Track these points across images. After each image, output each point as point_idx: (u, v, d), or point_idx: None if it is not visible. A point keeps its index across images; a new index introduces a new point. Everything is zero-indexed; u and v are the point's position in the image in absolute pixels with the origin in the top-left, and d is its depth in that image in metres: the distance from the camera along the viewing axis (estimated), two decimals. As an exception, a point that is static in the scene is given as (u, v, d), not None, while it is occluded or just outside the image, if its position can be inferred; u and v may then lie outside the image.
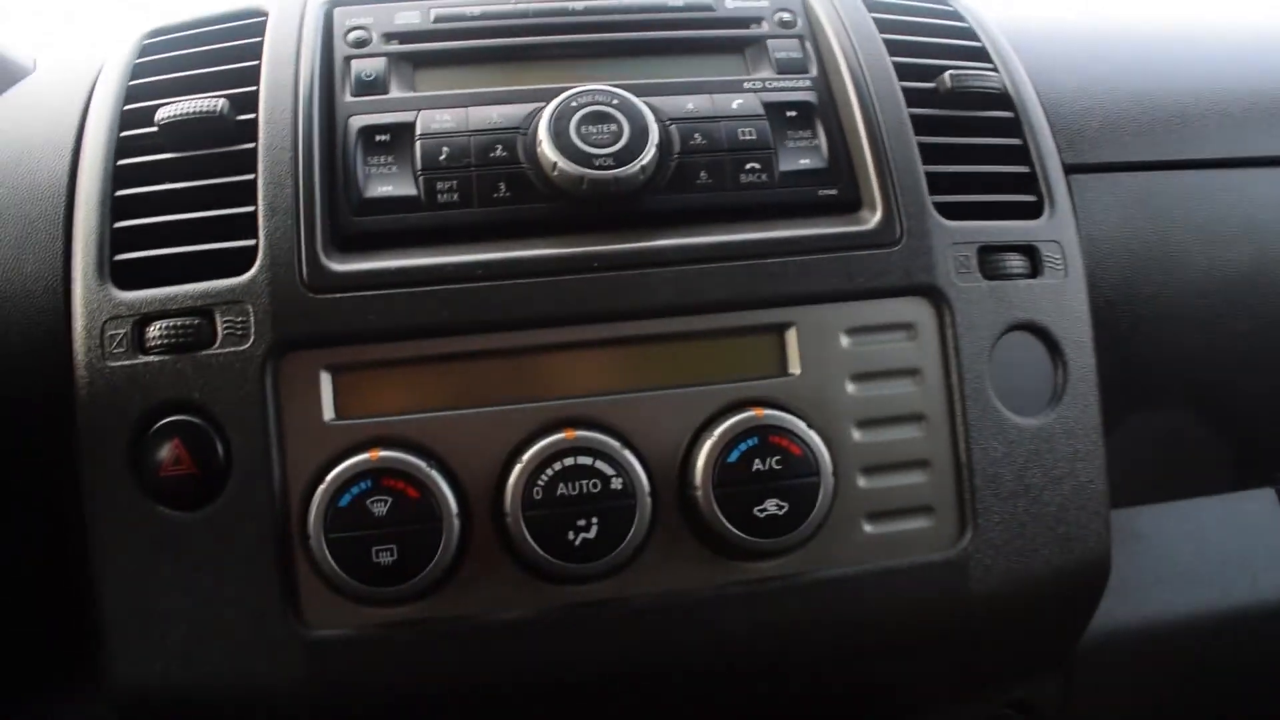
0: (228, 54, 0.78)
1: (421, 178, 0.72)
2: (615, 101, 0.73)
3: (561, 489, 0.67)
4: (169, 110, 0.72)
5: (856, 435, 0.72)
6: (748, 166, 0.75)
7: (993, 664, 0.79)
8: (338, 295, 0.68)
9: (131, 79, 0.78)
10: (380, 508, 0.66)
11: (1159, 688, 0.90)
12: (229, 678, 0.67)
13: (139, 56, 0.80)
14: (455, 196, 0.72)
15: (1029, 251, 0.77)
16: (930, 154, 0.77)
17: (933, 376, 0.74)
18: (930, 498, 0.73)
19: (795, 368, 0.72)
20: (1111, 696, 0.90)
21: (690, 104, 0.76)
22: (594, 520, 0.66)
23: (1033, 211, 0.79)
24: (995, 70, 0.83)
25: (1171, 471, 0.94)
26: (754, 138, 0.75)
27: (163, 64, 0.79)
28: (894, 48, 0.81)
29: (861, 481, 0.72)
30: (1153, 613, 0.89)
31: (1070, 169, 0.83)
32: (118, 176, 0.73)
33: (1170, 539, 0.93)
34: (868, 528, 0.72)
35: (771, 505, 0.68)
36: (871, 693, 0.82)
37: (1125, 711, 0.91)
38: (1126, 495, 0.91)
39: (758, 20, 0.83)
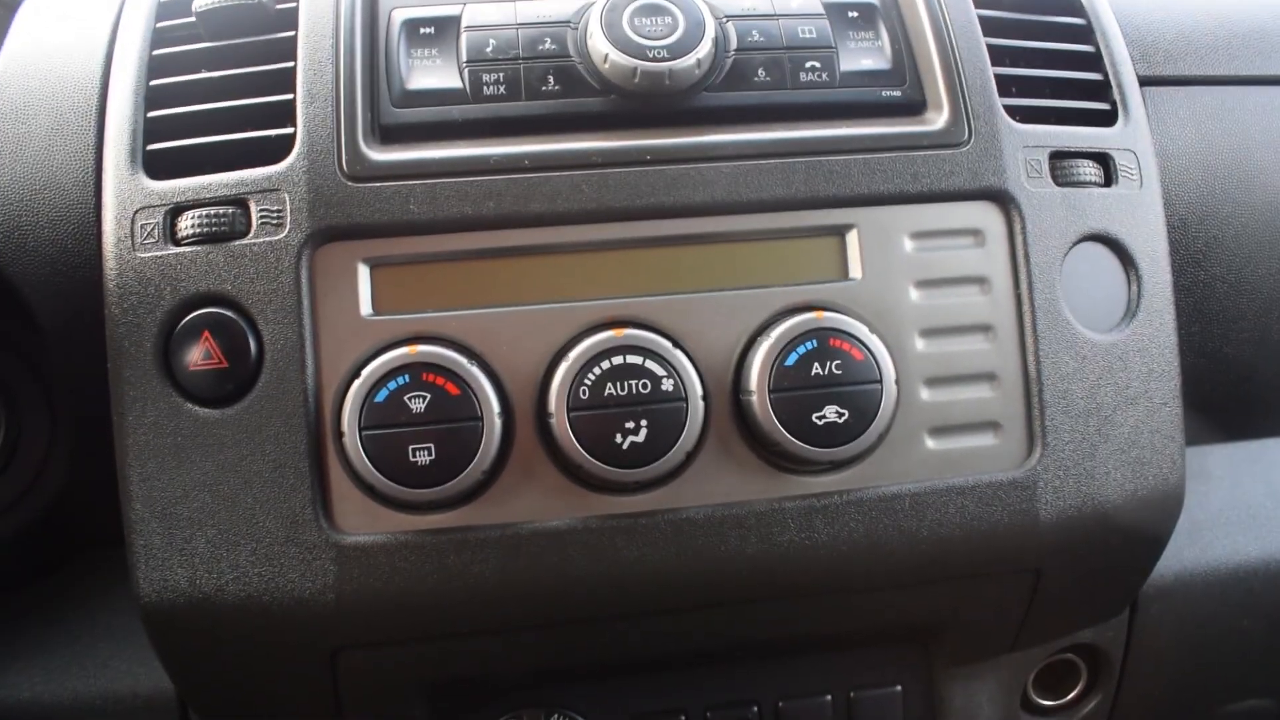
0: None
1: (466, 70, 0.69)
2: None
3: (609, 389, 0.63)
4: None
5: (920, 344, 0.68)
6: (807, 65, 0.71)
7: (1057, 601, 0.75)
8: (378, 184, 0.65)
9: None
10: (418, 404, 0.63)
11: (1226, 635, 0.86)
12: (257, 585, 0.64)
13: None
14: (501, 89, 0.69)
15: (1102, 160, 0.74)
16: (998, 57, 0.74)
17: (1001, 286, 0.70)
18: (997, 413, 0.69)
19: (856, 271, 0.68)
20: (1176, 642, 0.85)
21: (748, 1, 0.73)
22: (643, 423, 0.63)
23: (1106, 120, 0.76)
24: (1067, -25, 0.80)
25: (1245, 409, 0.89)
26: (814, 36, 0.72)
27: None
28: (960, -52, 0.78)
29: (924, 393, 0.68)
30: (1222, 556, 0.85)
31: (1144, 81, 0.79)
32: (153, 66, 0.71)
33: (1241, 480, 0.88)
34: (930, 443, 0.68)
35: (831, 412, 0.64)
36: (930, 624, 0.78)
37: (1191, 658, 0.87)
38: (1197, 434, 0.87)
39: (817, -79, 0.80)
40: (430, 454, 0.62)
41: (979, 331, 0.69)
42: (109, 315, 0.65)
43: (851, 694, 0.81)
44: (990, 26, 0.74)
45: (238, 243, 0.65)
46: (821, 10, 0.73)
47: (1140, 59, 0.81)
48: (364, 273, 0.65)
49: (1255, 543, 0.85)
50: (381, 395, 0.63)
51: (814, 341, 0.65)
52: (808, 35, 0.72)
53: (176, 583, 0.64)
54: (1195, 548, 0.84)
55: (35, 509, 0.77)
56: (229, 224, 0.65)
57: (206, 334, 0.64)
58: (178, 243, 0.65)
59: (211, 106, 0.69)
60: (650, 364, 0.64)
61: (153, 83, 0.70)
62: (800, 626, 0.75)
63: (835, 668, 0.82)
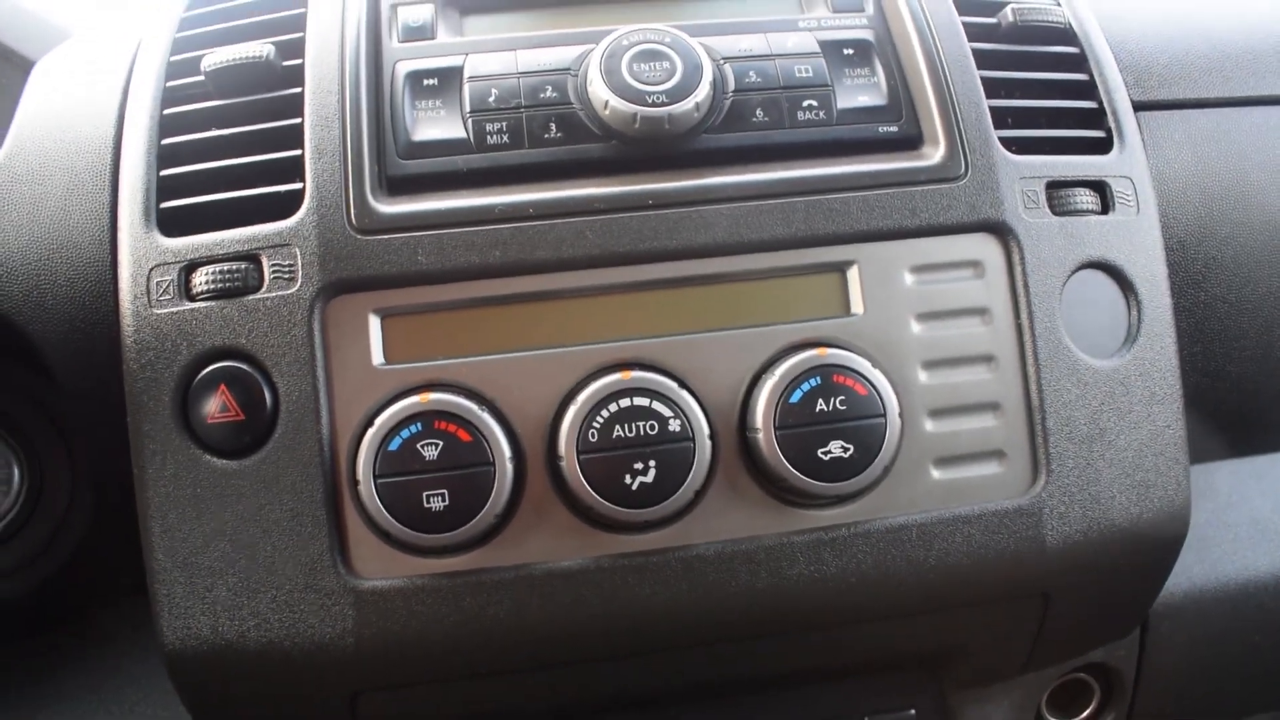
0: (274, 2, 0.77)
1: (470, 120, 0.71)
2: (668, 40, 0.71)
3: (618, 431, 0.64)
4: (215, 57, 0.72)
5: (923, 377, 0.69)
6: (805, 104, 0.72)
7: (1067, 624, 0.76)
8: (386, 236, 0.67)
9: (178, 31, 0.77)
10: (431, 451, 0.64)
11: (1238, 650, 0.86)
12: (278, 631, 0.65)
13: (186, 10, 0.79)
14: (505, 138, 0.70)
15: (1099, 187, 0.74)
16: (994, 89, 0.75)
17: (1001, 316, 0.71)
18: (1001, 442, 0.70)
19: (858, 307, 0.69)
20: (1188, 659, 0.86)
21: (744, 43, 0.74)
22: (651, 463, 0.64)
23: (1102, 147, 0.77)
24: (1058, 5, 0.81)
25: (1249, 425, 0.90)
26: (810, 75, 0.73)
27: (209, 16, 0.78)
28: (953, -18, 0.79)
29: (929, 425, 0.69)
30: (1232, 572, 0.85)
31: (1139, 106, 0.80)
32: (164, 125, 0.72)
33: (1249, 495, 0.89)
34: (936, 473, 0.69)
35: (836, 447, 0.66)
36: (941, 651, 0.79)
37: (1202, 674, 0.87)
38: (1202, 450, 0.88)
39: (811, -40, 0.81)
40: (444, 500, 0.64)
41: (981, 362, 0.70)
42: (127, 371, 0.67)
43: (866, 719, 0.82)
44: (984, 59, 0.75)
45: (251, 297, 0.66)
46: (817, 49, 0.74)
47: (1134, 84, 0.82)
48: (375, 323, 0.67)
49: (1264, 558, 0.86)
50: (395, 444, 0.64)
51: (818, 378, 0.66)
52: (804, 74, 0.73)
53: (199, 630, 0.66)
54: (1204, 565, 0.85)
55: (59, 558, 0.78)
56: (242, 279, 0.67)
57: (223, 387, 0.66)
58: (192, 298, 0.67)
59: (222, 164, 0.70)
60: (657, 405, 0.65)
61: (164, 141, 0.71)
62: (813, 658, 0.76)
63: (849, 693, 0.83)
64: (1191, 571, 0.84)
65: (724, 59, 0.73)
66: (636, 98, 0.69)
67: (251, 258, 0.67)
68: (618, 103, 0.69)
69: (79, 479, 0.78)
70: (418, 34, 0.75)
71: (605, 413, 0.65)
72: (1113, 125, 0.77)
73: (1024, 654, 0.78)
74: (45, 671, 0.80)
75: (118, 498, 0.70)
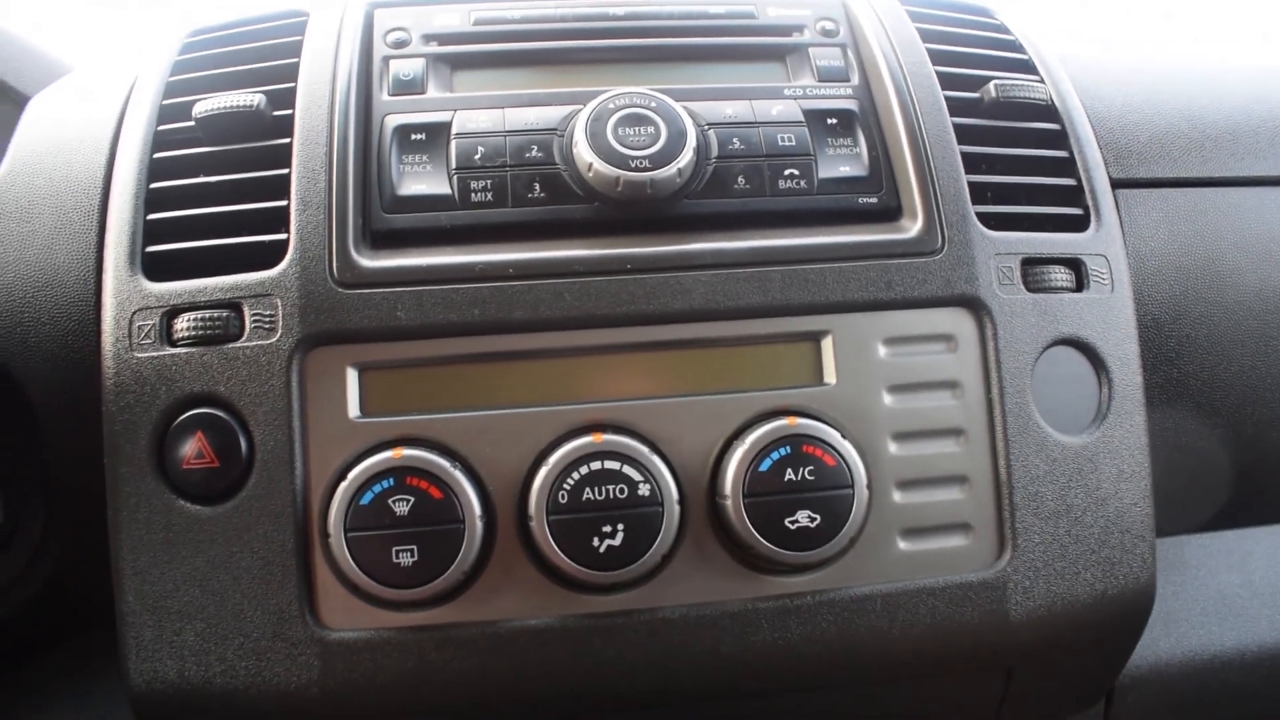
0: (267, 52, 0.78)
1: (455, 177, 0.72)
2: (653, 104, 0.72)
3: (588, 493, 0.65)
4: (206, 104, 0.73)
5: (893, 448, 0.70)
6: (786, 173, 0.73)
7: (1030, 695, 0.76)
8: (367, 291, 0.68)
9: (171, 75, 0.78)
10: (402, 507, 0.64)
11: (1203, 725, 0.87)
12: (244, 678, 0.66)
13: (180, 54, 0.80)
14: (489, 196, 0.71)
15: (1074, 265, 0.75)
16: (973, 163, 0.76)
17: (972, 390, 0.71)
18: (968, 515, 0.71)
19: (831, 377, 0.70)
20: (1153, 733, 0.87)
21: (729, 109, 0.75)
22: (620, 527, 0.65)
23: (1079, 225, 0.77)
24: (1041, 82, 0.82)
25: (1219, 501, 0.91)
26: (793, 144, 0.74)
27: (203, 61, 0.79)
28: (937, 57, 0.80)
29: (897, 496, 0.70)
30: (1198, 646, 0.86)
31: (1118, 183, 0.81)
32: (153, 169, 0.73)
33: (1217, 570, 0.89)
34: (902, 544, 0.70)
35: (803, 517, 0.66)
36: (902, 719, 0.79)
37: (1167, 749, 0.88)
38: (1172, 524, 0.88)
39: (799, 28, 0.82)
40: (413, 555, 0.64)
41: (951, 435, 0.71)
42: (106, 412, 0.67)
43: None
44: (965, 134, 0.76)
45: (231, 345, 0.67)
46: (801, 118, 0.75)
47: (1114, 161, 0.83)
48: (353, 376, 0.67)
49: (1230, 633, 0.86)
50: (366, 498, 0.65)
51: (787, 447, 0.67)
52: (787, 143, 0.74)
53: (165, 674, 0.66)
54: (1171, 638, 0.85)
55: (31, 591, 0.79)
56: (223, 327, 0.67)
57: (199, 434, 0.67)
58: (173, 344, 0.68)
59: (208, 211, 0.71)
60: (628, 469, 0.66)
61: (153, 185, 0.72)
62: None
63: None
64: (1158, 645, 0.85)
65: (708, 125, 0.74)
66: (620, 161, 0.70)
67: (233, 306, 0.68)
68: (601, 165, 0.70)
69: (54, 514, 0.78)
70: (408, 88, 0.76)
71: (576, 475, 0.65)
72: (1090, 203, 0.78)
73: None
74: (15, 705, 0.80)
75: (92, 534, 0.70)
